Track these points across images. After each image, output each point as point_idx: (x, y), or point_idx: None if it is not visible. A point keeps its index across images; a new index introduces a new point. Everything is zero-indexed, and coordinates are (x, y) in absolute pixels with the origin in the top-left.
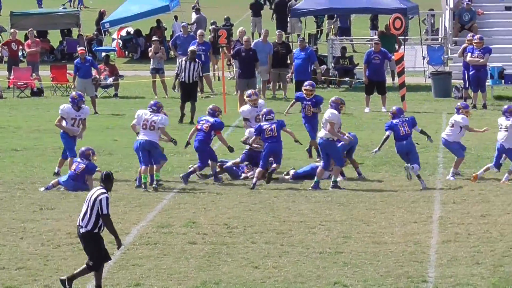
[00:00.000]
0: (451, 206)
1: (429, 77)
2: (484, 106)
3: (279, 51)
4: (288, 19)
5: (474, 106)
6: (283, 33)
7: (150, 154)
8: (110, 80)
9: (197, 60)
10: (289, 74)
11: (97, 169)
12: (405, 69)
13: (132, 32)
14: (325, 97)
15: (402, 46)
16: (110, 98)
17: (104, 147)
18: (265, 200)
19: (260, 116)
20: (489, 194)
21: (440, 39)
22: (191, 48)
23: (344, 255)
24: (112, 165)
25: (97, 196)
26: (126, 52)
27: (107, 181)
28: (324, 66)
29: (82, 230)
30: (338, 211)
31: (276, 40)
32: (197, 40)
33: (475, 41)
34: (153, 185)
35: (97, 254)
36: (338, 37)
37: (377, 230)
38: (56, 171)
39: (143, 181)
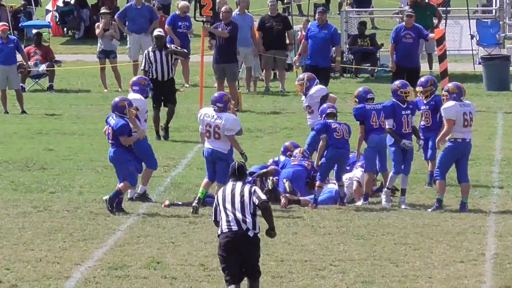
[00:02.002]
0: (511, 239)
1: (479, 63)
2: None
3: (274, 28)
4: None
5: None
6: (278, 2)
7: (215, 167)
8: (42, 68)
9: (168, 46)
10: (296, 57)
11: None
12: (447, 52)
13: (72, 2)
14: (339, 90)
15: (443, 21)
16: (43, 92)
17: (35, 159)
18: None
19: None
20: None
21: (494, 11)
22: (157, 33)
23: None
24: (46, 183)
25: (249, 190)
26: (65, 29)
27: (241, 174)
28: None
29: (251, 234)
30: (356, 246)
31: (269, 13)
32: (178, 13)
33: None
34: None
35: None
36: (355, 9)
37: (409, 272)
38: (141, 191)
39: (199, 195)
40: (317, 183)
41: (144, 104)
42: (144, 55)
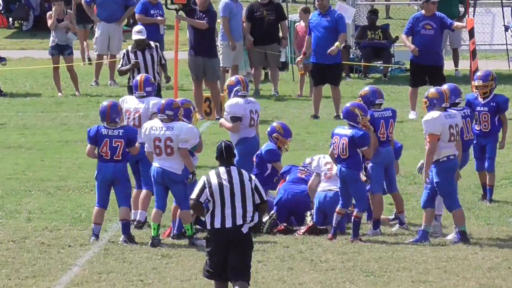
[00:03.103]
0: None
1: None
2: None
3: (265, 18)
4: None
5: None
6: None
7: (168, 191)
8: None
9: (152, 45)
10: (300, 57)
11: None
12: (477, 47)
13: None
14: (344, 94)
15: (471, 8)
16: None
17: None
18: None
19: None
20: None
21: None
22: (137, 36)
23: None
24: None
25: (250, 182)
26: (10, 20)
27: (230, 156)
28: None
29: (246, 230)
30: (366, 284)
31: (259, 0)
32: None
33: None
34: (156, 239)
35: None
36: None
37: None
38: (142, 219)
39: (152, 233)
40: (337, 208)
41: None
42: (122, 55)
